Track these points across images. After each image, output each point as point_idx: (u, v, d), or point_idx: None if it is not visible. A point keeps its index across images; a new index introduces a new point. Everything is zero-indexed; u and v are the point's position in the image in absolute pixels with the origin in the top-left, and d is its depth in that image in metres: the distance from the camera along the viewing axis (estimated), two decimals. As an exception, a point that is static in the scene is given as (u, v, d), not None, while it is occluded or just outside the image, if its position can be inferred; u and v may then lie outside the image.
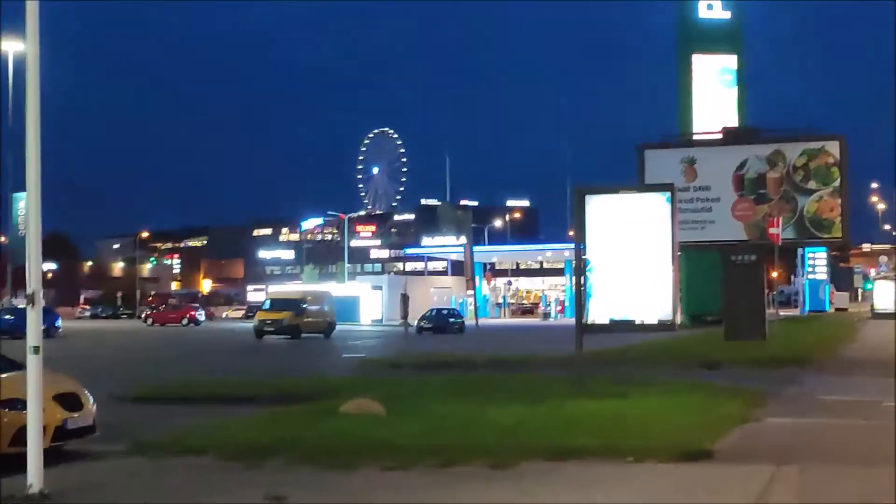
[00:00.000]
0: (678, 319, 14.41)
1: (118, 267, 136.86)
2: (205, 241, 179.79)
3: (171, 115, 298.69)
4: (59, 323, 46.26)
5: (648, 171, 28.30)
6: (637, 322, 14.47)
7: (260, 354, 32.10)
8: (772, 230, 27.11)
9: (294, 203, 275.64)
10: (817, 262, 72.60)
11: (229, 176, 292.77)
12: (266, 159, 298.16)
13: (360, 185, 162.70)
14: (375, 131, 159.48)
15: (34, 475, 8.32)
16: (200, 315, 67.21)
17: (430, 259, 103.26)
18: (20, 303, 46.87)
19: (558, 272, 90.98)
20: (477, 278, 65.97)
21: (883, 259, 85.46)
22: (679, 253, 14.83)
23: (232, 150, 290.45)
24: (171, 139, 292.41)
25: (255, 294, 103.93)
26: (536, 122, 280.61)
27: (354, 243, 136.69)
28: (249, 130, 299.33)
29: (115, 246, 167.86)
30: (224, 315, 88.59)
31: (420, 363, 23.11)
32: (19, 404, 9.42)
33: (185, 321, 65.42)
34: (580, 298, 14.68)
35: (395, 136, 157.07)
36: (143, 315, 71.41)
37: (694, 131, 43.95)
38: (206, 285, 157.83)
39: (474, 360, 21.81)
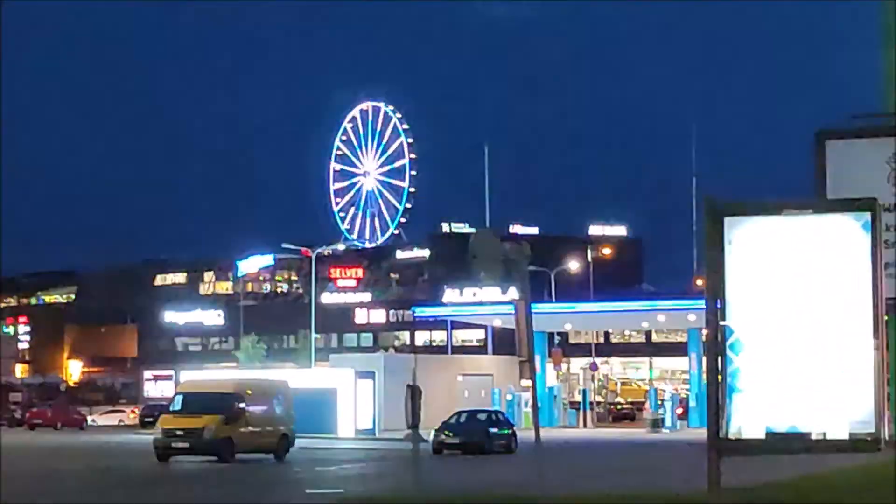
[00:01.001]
0: (887, 432, 14.32)
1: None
2: (72, 296, 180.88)
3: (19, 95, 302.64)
4: None
5: (832, 176, 28.14)
6: (814, 436, 14.41)
7: (164, 489, 32.12)
8: None
9: (225, 234, 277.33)
10: None
11: (115, 187, 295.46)
12: (176, 159, 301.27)
13: (337, 201, 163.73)
14: (364, 106, 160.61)
15: None
16: None
17: (458, 326, 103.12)
18: None
19: (677, 349, 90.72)
20: (538, 359, 65.60)
21: None
22: (886, 317, 14.81)
23: (118, 146, 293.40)
24: (18, 131, 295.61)
25: (158, 384, 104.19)
26: (634, 96, 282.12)
27: (328, 299, 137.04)
28: (147, 110, 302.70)
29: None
30: (91, 420, 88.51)
31: (440, 506, 23.03)
32: None
33: None
34: (716, 395, 14.66)
35: (399, 117, 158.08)
36: None
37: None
38: (73, 369, 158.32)
39: (533, 502, 21.70)
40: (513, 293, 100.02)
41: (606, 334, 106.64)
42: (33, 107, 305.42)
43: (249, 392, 45.96)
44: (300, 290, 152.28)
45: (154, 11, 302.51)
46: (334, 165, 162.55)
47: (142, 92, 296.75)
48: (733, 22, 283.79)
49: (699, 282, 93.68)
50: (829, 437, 14.23)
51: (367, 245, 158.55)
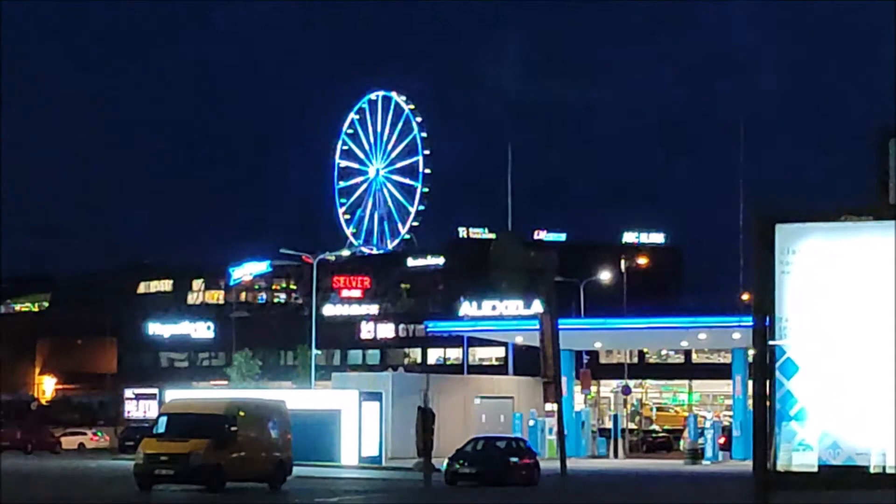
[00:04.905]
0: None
1: None
2: (45, 305, 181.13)
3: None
4: None
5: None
6: (873, 469, 14.38)
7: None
8: None
9: (217, 238, 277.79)
10: None
11: (95, 185, 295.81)
12: (162, 156, 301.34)
13: (342, 201, 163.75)
14: (373, 96, 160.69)
15: None
16: None
17: (475, 343, 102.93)
18: None
19: (720, 371, 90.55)
20: (565, 381, 65.32)
21: None
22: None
23: (98, 141, 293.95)
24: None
25: (140, 404, 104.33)
26: (676, 91, 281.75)
27: (331, 311, 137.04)
28: (127, 106, 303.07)
29: None
30: (78, 445, 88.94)
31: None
32: None
33: None
34: (764, 422, 14.65)
35: (412, 108, 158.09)
36: None
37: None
38: (46, 385, 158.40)
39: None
40: (537, 307, 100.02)
41: (641, 354, 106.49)
42: (8, 101, 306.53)
43: (242, 414, 45.96)
44: (299, 301, 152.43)
45: (148, 7, 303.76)
46: (339, 162, 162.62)
47: (123, 85, 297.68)
48: (780, 18, 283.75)
49: (745, 296, 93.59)
50: (889, 470, 14.22)
51: (375, 251, 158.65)
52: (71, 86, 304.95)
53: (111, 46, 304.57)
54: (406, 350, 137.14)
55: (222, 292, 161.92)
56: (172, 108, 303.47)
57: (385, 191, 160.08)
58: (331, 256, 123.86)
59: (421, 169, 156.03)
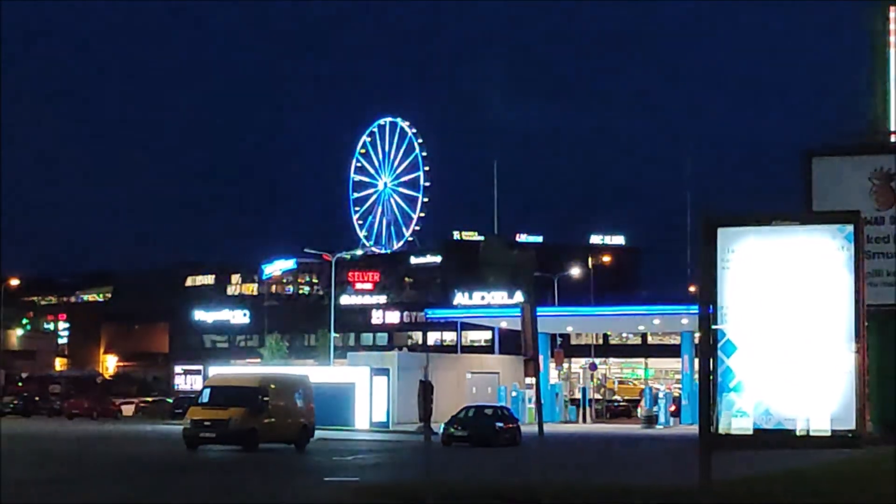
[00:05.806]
0: (865, 429, 14.28)
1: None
2: (108, 296, 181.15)
3: (53, 106, 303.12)
4: None
5: (819, 191, 28.15)
6: (798, 432, 14.38)
7: (191, 475, 32.15)
8: None
9: (251, 239, 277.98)
10: None
11: (150, 194, 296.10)
12: (206, 170, 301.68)
13: (356, 209, 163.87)
14: (381, 122, 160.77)
15: None
16: None
17: (467, 327, 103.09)
18: None
19: (671, 351, 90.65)
20: (542, 359, 65.72)
21: None
22: (867, 324, 14.77)
23: (152, 158, 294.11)
24: (53, 140, 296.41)
25: (188, 378, 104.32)
26: (634, 114, 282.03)
27: (346, 300, 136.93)
28: (178, 127, 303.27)
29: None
30: (134, 410, 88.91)
31: (449, 495, 23.02)
32: None
33: None
34: (707, 393, 14.64)
35: (414, 131, 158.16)
36: None
37: (893, 129, 43.73)
38: (109, 363, 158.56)
39: (536, 492, 21.69)
40: (519, 297, 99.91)
41: (605, 336, 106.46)
42: (68, 112, 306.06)
43: (273, 386, 46.03)
44: (320, 292, 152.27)
45: (188, 22, 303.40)
46: (354, 176, 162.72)
47: (176, 102, 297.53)
48: (727, 34, 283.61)
49: (692, 288, 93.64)
50: (812, 433, 14.24)
51: (383, 251, 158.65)
52: (119, 105, 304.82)
53: (149, 58, 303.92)
54: (409, 333, 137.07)
55: (256, 285, 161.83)
56: (214, 129, 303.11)
57: (392, 200, 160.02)
58: (346, 255, 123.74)
59: (422, 182, 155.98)
